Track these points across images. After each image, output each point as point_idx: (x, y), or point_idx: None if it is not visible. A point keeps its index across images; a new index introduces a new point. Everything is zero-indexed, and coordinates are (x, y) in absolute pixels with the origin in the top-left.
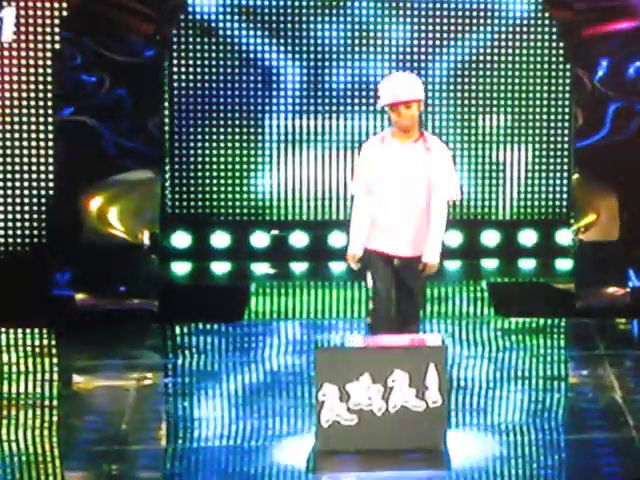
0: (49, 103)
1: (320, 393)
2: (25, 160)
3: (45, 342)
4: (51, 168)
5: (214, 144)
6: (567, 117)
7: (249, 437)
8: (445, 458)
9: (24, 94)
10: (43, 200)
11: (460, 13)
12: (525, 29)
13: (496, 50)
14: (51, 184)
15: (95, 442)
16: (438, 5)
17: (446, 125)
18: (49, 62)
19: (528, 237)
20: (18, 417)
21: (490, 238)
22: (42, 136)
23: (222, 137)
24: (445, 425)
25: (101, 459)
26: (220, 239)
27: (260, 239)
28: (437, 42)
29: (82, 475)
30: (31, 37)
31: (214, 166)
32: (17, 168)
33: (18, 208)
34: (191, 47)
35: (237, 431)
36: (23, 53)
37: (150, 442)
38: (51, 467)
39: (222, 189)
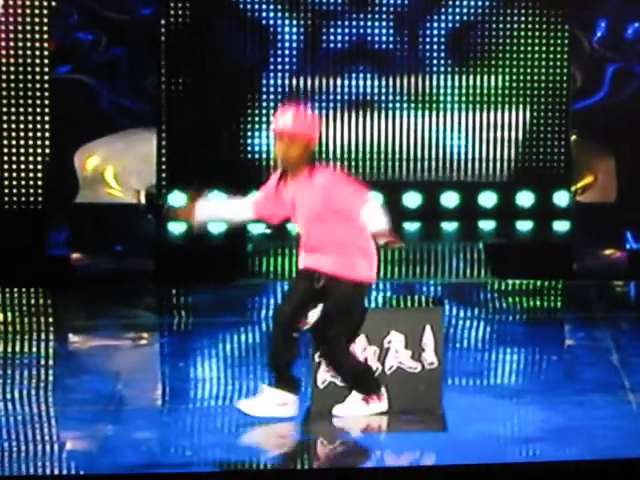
0: (45, 61)
1: (316, 354)
2: (21, 119)
3: (41, 302)
4: (47, 127)
5: (211, 102)
6: (565, 78)
7: (245, 397)
8: (441, 420)
9: (20, 52)
10: (39, 159)
11: None
12: None
13: (494, 11)
14: (47, 143)
15: (90, 402)
16: None
17: (444, 85)
18: (45, 20)
19: (525, 199)
20: (13, 377)
21: (487, 200)
22: (38, 94)
23: (219, 95)
24: (441, 386)
25: (96, 419)
26: (218, 197)
27: None
28: (435, 2)
29: (77, 435)
30: None
31: (210, 125)
32: (13, 127)
33: (14, 167)
34: (188, 5)
35: (232, 391)
36: (20, 11)
37: (145, 402)
38: (46, 427)
39: (218, 148)
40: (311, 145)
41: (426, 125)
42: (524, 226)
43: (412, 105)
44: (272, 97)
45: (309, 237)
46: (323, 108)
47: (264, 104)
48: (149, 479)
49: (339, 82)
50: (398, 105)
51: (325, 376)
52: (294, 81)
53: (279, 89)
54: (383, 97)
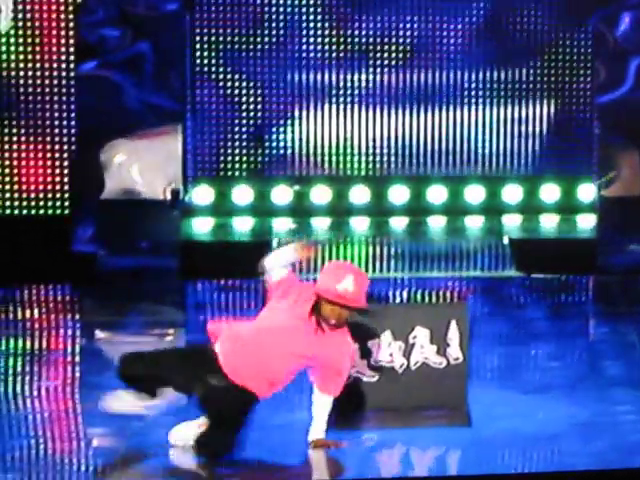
0: (71, 58)
1: None
2: (47, 115)
3: (67, 298)
4: (73, 123)
5: (236, 98)
6: (589, 72)
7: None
8: (466, 415)
9: (45, 48)
10: (65, 156)
11: None
12: None
13: (518, 4)
14: (73, 140)
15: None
16: None
17: (467, 79)
18: (71, 16)
19: (550, 193)
20: (40, 373)
21: (512, 194)
22: (64, 91)
23: (245, 91)
24: (466, 382)
25: (122, 416)
26: (242, 195)
27: (282, 195)
28: None
29: (103, 432)
30: None
31: (236, 121)
32: (39, 123)
33: (40, 163)
34: (213, 0)
35: None
36: (45, 7)
37: (171, 398)
38: (73, 423)
39: (244, 144)
40: None
41: (450, 119)
42: (548, 220)
43: (436, 99)
44: (297, 91)
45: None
46: (347, 103)
47: (289, 99)
48: (179, 476)
49: (363, 77)
50: (423, 99)
51: (350, 372)
52: (319, 76)
53: (304, 83)
54: (408, 92)
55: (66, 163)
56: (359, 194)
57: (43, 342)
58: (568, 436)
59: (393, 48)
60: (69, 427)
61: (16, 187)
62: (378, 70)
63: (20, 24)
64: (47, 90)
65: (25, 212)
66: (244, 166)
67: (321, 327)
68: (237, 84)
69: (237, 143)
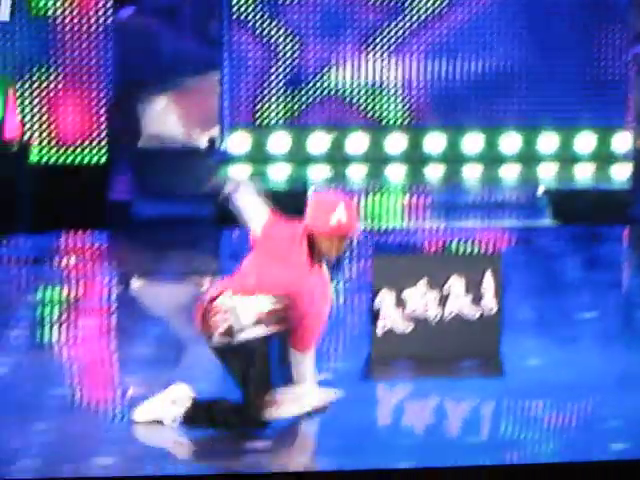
0: (109, 4)
1: (376, 299)
2: (84, 63)
3: (104, 246)
4: (110, 71)
5: (273, 46)
6: (625, 22)
7: None
8: (499, 366)
9: None
10: (103, 104)
11: None
12: None
13: None
14: (111, 87)
15: (153, 346)
16: None
17: (504, 28)
18: None
19: (585, 142)
20: (77, 322)
21: (547, 143)
22: (102, 38)
23: (282, 39)
24: (500, 332)
25: (159, 364)
26: (278, 143)
27: (318, 143)
28: None
29: (140, 380)
30: None
31: (273, 69)
32: (76, 70)
33: (78, 110)
34: None
35: None
36: None
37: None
38: (109, 372)
39: (281, 91)
40: None
41: (487, 68)
42: (583, 170)
43: (473, 47)
44: (334, 38)
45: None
46: (384, 50)
47: (326, 46)
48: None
49: (401, 24)
50: (460, 47)
51: (385, 322)
52: (357, 22)
53: (342, 30)
54: (446, 40)
55: (104, 111)
56: (395, 142)
57: (80, 290)
58: (602, 387)
59: None
60: (106, 375)
61: (54, 136)
62: (415, 17)
63: None
64: (84, 37)
65: (62, 161)
66: (280, 114)
67: (319, 263)
68: (274, 31)
69: (274, 91)
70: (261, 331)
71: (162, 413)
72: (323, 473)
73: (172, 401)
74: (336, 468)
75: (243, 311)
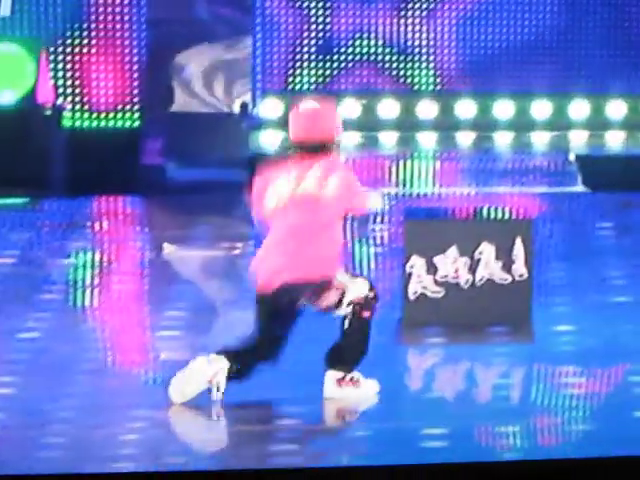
0: None
1: (407, 265)
2: (117, 27)
3: (136, 211)
4: (143, 35)
5: (305, 11)
6: None
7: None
8: (530, 331)
9: None
10: (135, 68)
11: None
12: None
13: None
14: (143, 52)
15: (185, 311)
16: None
17: None
18: None
19: (616, 109)
20: (109, 286)
21: (578, 110)
22: (134, 2)
23: (313, 3)
24: (531, 298)
25: (191, 329)
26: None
27: (350, 109)
28: None
29: (171, 345)
30: None
31: (305, 34)
32: (109, 34)
33: (111, 75)
34: None
35: None
36: None
37: (239, 313)
38: (141, 336)
39: (313, 57)
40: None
41: (518, 35)
42: (614, 137)
43: (503, 14)
44: (366, 4)
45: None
46: (416, 17)
47: (358, 12)
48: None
49: None
50: (491, 13)
51: (416, 287)
52: None
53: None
54: (476, 7)
55: (136, 76)
56: (426, 109)
57: (112, 254)
58: (632, 353)
59: None
60: (137, 340)
61: (86, 100)
62: None
63: None
64: (117, 2)
65: (95, 125)
66: (312, 80)
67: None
68: None
69: (306, 56)
70: (347, 312)
71: (203, 381)
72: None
73: (208, 363)
74: (369, 433)
75: (351, 290)
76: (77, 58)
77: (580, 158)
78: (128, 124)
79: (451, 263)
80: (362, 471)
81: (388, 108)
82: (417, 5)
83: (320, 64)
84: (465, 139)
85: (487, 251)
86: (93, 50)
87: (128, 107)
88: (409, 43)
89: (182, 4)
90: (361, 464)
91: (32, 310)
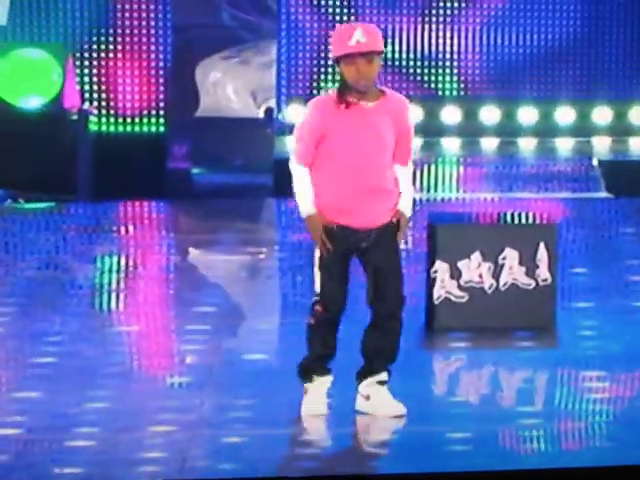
0: None
1: (432, 270)
2: (144, 32)
3: (162, 215)
4: (169, 41)
5: (330, 17)
6: None
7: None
8: (554, 336)
9: None
10: (161, 73)
11: None
12: None
13: None
14: (169, 57)
15: (211, 316)
16: None
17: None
18: None
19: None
20: (135, 290)
21: (601, 116)
22: (160, 8)
23: (339, 9)
24: (554, 303)
25: (217, 333)
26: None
27: None
28: None
29: (197, 349)
30: None
31: (329, 39)
32: (136, 40)
33: (137, 80)
34: None
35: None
36: None
37: (264, 317)
38: (165, 339)
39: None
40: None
41: (542, 40)
42: (638, 143)
43: (527, 21)
44: (390, 10)
45: (368, 175)
46: (439, 22)
47: (382, 17)
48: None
49: None
50: (515, 20)
51: (440, 292)
52: None
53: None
54: (499, 12)
55: (162, 81)
56: (450, 114)
57: (138, 258)
58: None
59: None
60: (163, 345)
61: (112, 105)
62: None
63: None
64: (143, 7)
65: (121, 130)
66: (337, 84)
67: (352, 102)
68: (331, 2)
69: (330, 62)
70: None
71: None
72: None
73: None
74: (394, 438)
75: None
76: (103, 63)
77: (603, 163)
78: (154, 129)
79: (475, 268)
80: (387, 478)
81: (413, 113)
82: (441, 11)
83: None
84: (489, 144)
85: (511, 256)
86: (119, 55)
87: (154, 112)
88: (433, 48)
89: (207, 9)
90: (386, 471)
91: (58, 314)
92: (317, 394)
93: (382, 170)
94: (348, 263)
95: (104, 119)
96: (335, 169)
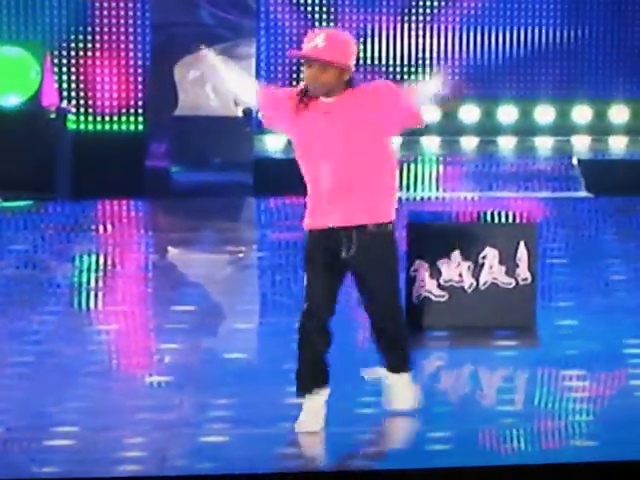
0: None
1: (411, 269)
2: (122, 30)
3: (140, 214)
4: (147, 39)
5: (309, 15)
6: None
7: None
8: (534, 335)
9: None
10: (139, 71)
11: None
12: None
13: None
14: (147, 56)
15: (190, 314)
16: None
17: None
18: None
19: (619, 114)
20: (114, 289)
21: (581, 115)
22: (139, 6)
23: (317, 7)
24: (535, 302)
25: (196, 332)
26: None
27: None
28: None
29: (176, 348)
30: None
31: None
32: (114, 38)
33: (115, 79)
34: None
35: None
36: None
37: (244, 317)
38: (144, 338)
39: None
40: (345, 74)
41: (521, 40)
42: (617, 142)
43: (507, 20)
44: (370, 8)
45: (337, 176)
46: (419, 21)
47: (362, 16)
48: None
49: None
50: (494, 20)
51: (420, 291)
52: None
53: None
54: (479, 13)
55: (140, 79)
56: (429, 113)
57: (117, 257)
58: (636, 357)
59: None
60: (141, 344)
61: (91, 103)
62: None
63: None
64: (122, 5)
65: (100, 128)
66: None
67: (308, 102)
68: (310, 0)
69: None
70: None
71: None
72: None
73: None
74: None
75: None
76: (82, 61)
77: (583, 162)
78: (132, 127)
79: (455, 267)
80: (366, 475)
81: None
82: (420, 10)
83: None
84: (469, 143)
85: (491, 255)
86: (97, 53)
87: (132, 110)
88: (412, 48)
89: (186, 8)
90: (366, 468)
91: (37, 313)
92: (310, 410)
93: (352, 164)
94: (336, 271)
95: (82, 117)
96: (306, 169)
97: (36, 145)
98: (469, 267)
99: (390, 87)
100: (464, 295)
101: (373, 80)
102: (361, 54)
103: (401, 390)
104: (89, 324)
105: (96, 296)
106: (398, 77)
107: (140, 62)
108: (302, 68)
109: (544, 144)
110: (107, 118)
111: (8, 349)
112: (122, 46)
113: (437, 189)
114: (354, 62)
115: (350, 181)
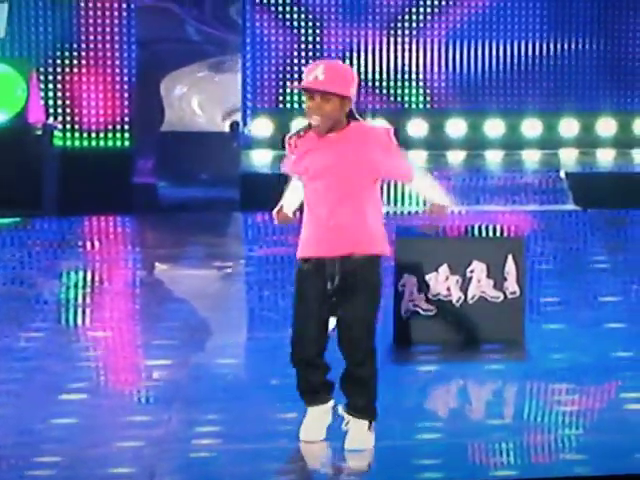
0: None
1: (399, 284)
2: (107, 46)
3: (128, 230)
4: (134, 55)
5: (296, 30)
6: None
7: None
8: (523, 349)
9: None
10: (125, 87)
11: None
12: None
13: None
14: (134, 71)
15: (178, 330)
16: None
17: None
18: None
19: (606, 127)
20: (101, 305)
21: (568, 128)
22: (125, 22)
23: (303, 23)
24: (523, 316)
25: (184, 348)
26: (300, 127)
27: None
28: None
29: (164, 364)
30: None
31: (295, 52)
32: (100, 54)
33: (101, 95)
34: None
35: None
36: None
37: (231, 332)
38: (132, 354)
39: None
40: (347, 104)
41: (508, 53)
42: (605, 155)
43: (493, 34)
44: (356, 24)
45: (333, 210)
46: (406, 35)
47: (347, 30)
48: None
49: (422, 9)
50: (480, 33)
51: (408, 306)
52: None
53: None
54: (465, 26)
55: (127, 95)
56: (416, 127)
57: (105, 273)
58: (624, 370)
59: None
60: (130, 359)
61: (77, 120)
62: (436, 2)
63: None
64: (107, 22)
65: (86, 145)
66: (303, 98)
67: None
68: (296, 15)
69: (296, 75)
70: None
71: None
72: None
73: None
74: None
75: None
76: (68, 78)
77: (570, 176)
78: (119, 144)
79: (443, 281)
80: None
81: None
82: (407, 24)
83: None
84: (456, 157)
85: (478, 269)
86: (84, 70)
87: (119, 127)
88: (399, 62)
89: (172, 24)
90: None
91: (24, 329)
92: (313, 419)
93: (344, 198)
94: (326, 308)
95: (69, 134)
96: (306, 199)
97: (23, 162)
98: (457, 281)
99: (391, 136)
100: (452, 309)
101: (379, 124)
102: None
103: (357, 434)
104: (77, 341)
105: (84, 312)
106: (384, 91)
107: (126, 78)
108: (294, 90)
109: (531, 157)
110: (94, 135)
111: None
112: (108, 62)
113: (424, 203)
114: (355, 92)
115: (338, 212)
